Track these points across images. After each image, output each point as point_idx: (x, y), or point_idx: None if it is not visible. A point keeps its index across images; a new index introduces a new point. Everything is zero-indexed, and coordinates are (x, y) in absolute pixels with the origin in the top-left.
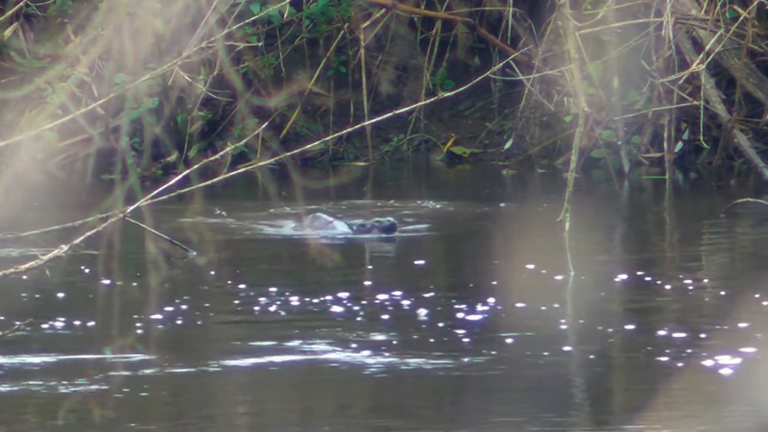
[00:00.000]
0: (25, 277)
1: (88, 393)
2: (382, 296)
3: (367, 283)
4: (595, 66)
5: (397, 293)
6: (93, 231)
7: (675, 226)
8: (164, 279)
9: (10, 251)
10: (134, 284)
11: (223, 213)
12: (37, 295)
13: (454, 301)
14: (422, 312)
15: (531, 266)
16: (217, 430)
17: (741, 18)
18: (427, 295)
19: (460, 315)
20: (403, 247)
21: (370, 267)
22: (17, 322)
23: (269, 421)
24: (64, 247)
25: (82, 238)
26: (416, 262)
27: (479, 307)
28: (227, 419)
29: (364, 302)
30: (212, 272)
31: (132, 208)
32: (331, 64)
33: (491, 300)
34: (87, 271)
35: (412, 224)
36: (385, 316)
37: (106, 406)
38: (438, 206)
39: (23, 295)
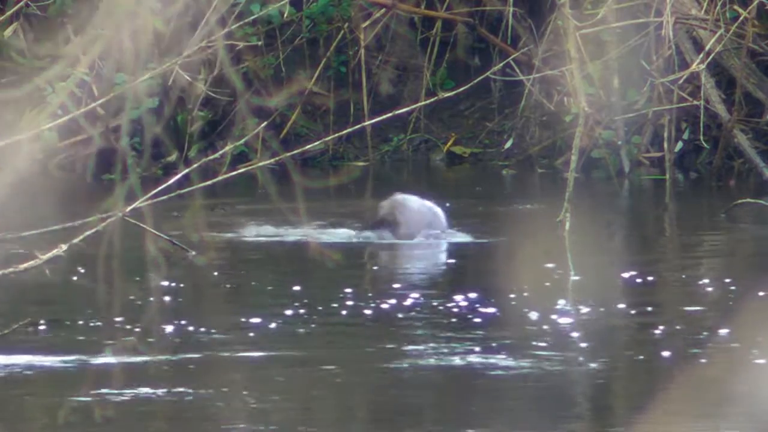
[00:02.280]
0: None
1: (92, 394)
2: (457, 297)
3: (416, 284)
4: (595, 66)
5: (473, 294)
6: (93, 231)
7: (675, 226)
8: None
9: (9, 251)
10: (182, 286)
11: (176, 214)
12: (37, 295)
13: (519, 302)
14: (509, 313)
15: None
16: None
17: (741, 18)
18: (506, 297)
19: (554, 317)
20: (426, 248)
21: (405, 268)
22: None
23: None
24: (64, 247)
25: (81, 237)
26: (450, 261)
27: (560, 309)
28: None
29: (439, 304)
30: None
31: (131, 207)
32: (331, 64)
33: (562, 301)
34: (87, 271)
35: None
36: (477, 319)
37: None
38: (447, 205)
39: (23, 294)
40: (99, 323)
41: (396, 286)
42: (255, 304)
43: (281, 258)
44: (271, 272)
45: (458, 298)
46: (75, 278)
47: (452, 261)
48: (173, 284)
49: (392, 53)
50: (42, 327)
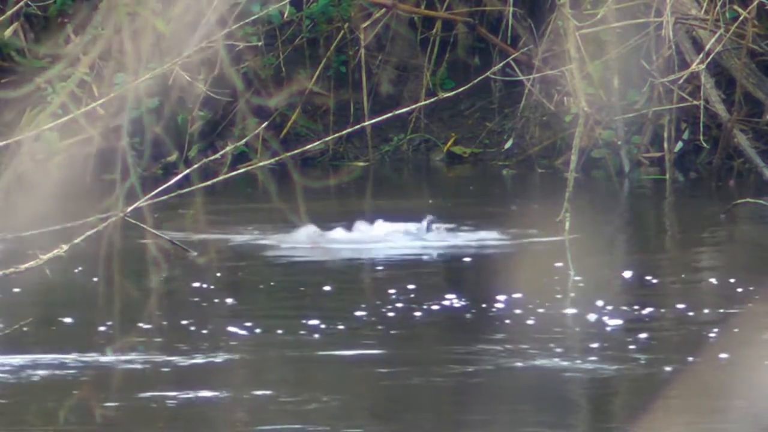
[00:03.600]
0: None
1: (93, 393)
2: (501, 297)
3: (460, 287)
4: (595, 66)
5: (518, 296)
6: (93, 231)
7: (675, 226)
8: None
9: (9, 251)
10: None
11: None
12: (37, 295)
13: (565, 303)
14: (571, 316)
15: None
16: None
17: (741, 18)
18: (560, 299)
19: (605, 318)
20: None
21: (435, 272)
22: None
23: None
24: (65, 247)
25: (82, 237)
26: (464, 260)
27: (611, 310)
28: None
29: (492, 307)
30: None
31: (132, 208)
32: (331, 64)
33: (599, 302)
34: (87, 270)
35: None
36: (530, 321)
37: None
38: (450, 205)
39: (23, 294)
40: (107, 323)
41: (432, 288)
42: (294, 306)
43: (286, 259)
44: (283, 274)
45: (501, 298)
46: (75, 278)
47: (469, 260)
48: (178, 283)
49: (392, 53)
50: (42, 327)
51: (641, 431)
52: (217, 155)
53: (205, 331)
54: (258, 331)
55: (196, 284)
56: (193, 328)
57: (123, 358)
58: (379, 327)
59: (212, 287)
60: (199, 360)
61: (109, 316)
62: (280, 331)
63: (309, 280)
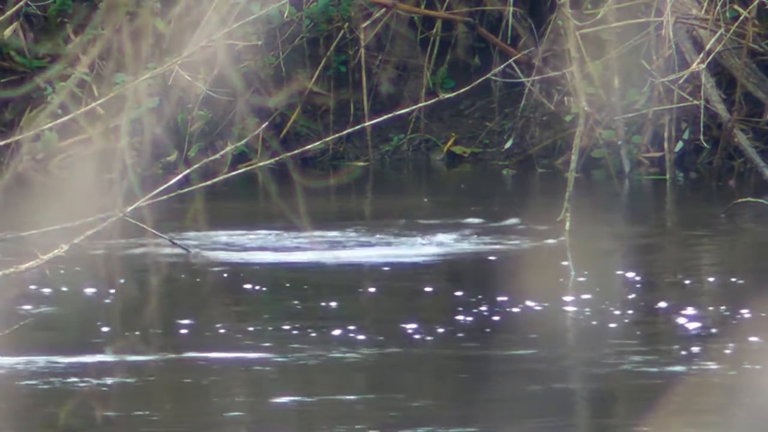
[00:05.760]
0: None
1: (91, 393)
2: (568, 298)
3: (505, 290)
4: (595, 66)
5: (587, 297)
6: (93, 231)
7: (675, 225)
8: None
9: (9, 251)
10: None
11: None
12: (37, 295)
13: (622, 305)
14: (637, 318)
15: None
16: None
17: (741, 17)
18: (633, 300)
19: (679, 320)
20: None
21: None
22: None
23: None
24: (64, 247)
25: (81, 237)
26: (489, 258)
27: (682, 311)
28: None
29: (569, 309)
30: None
31: (131, 207)
32: (331, 63)
33: (663, 304)
34: (87, 271)
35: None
36: (613, 325)
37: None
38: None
39: (23, 294)
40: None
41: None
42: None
43: (291, 262)
44: (305, 275)
45: (568, 299)
46: (75, 279)
47: (494, 259)
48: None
49: (392, 53)
50: (42, 327)
51: None
52: (217, 155)
53: (302, 333)
54: (364, 336)
55: (236, 286)
56: (276, 329)
57: (129, 358)
58: (488, 330)
59: (259, 288)
60: (309, 362)
61: (112, 316)
62: (381, 337)
63: (346, 282)
